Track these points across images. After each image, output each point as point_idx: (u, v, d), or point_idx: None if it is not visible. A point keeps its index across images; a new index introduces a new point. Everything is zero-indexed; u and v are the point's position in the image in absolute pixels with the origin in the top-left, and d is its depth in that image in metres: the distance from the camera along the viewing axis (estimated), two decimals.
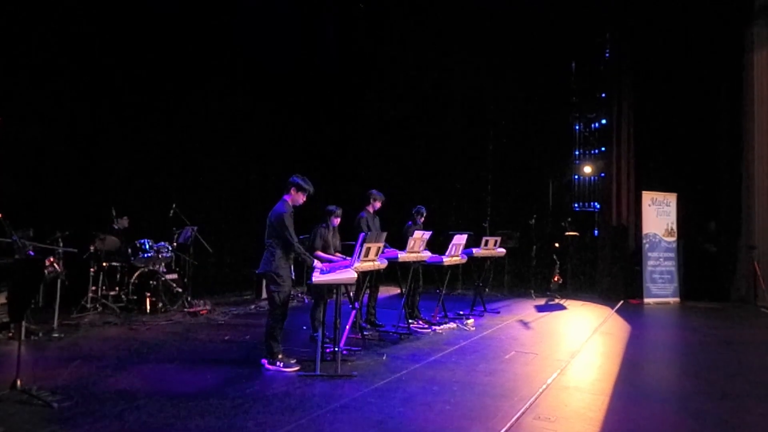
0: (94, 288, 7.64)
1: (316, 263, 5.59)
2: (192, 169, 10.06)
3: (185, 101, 9.89)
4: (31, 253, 5.86)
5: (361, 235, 5.68)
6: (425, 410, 4.27)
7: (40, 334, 6.29)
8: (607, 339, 7.22)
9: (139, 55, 9.12)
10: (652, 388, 5.18)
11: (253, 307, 8.82)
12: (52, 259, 6.34)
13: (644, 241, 10.67)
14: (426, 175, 12.91)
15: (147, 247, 8.03)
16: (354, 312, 6.06)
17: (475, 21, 12.29)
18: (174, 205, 8.74)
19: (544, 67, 11.94)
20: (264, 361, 5.31)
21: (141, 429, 3.79)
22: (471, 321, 7.82)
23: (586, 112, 12.54)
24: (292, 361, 5.29)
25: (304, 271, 8.83)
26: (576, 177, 12.74)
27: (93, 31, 8.53)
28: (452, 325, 7.58)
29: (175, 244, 8.67)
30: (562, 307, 9.78)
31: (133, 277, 8.04)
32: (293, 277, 5.75)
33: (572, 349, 6.49)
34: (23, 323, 5.21)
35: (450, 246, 7.63)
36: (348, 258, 5.94)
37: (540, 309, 9.51)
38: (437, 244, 7.82)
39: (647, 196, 10.78)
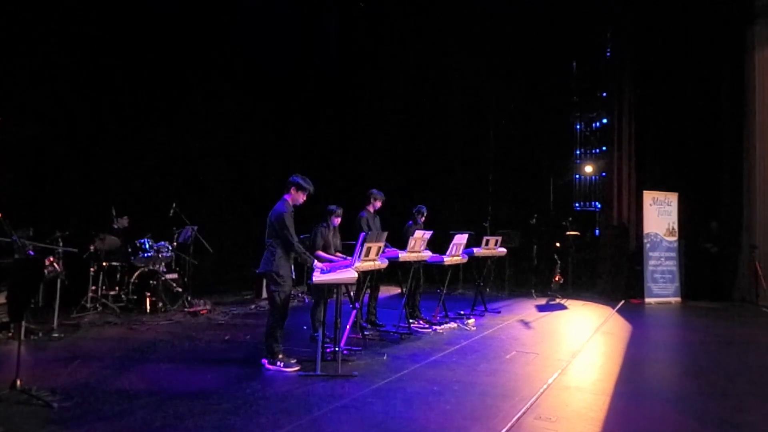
0: (94, 288, 7.64)
1: (317, 263, 5.58)
2: (192, 168, 10.05)
3: (185, 101, 9.89)
4: (31, 252, 5.85)
5: (362, 234, 5.67)
6: (426, 410, 4.25)
7: (40, 334, 6.28)
8: (608, 339, 7.20)
9: (139, 55, 9.11)
10: (654, 388, 5.17)
11: (253, 306, 8.81)
12: (51, 259, 6.33)
13: (645, 240, 10.65)
14: (426, 174, 12.90)
15: (147, 246, 8.02)
16: (354, 312, 6.04)
17: (476, 20, 12.29)
18: (174, 205, 8.73)
19: (544, 67, 11.93)
20: (264, 360, 5.29)
21: (141, 429, 3.78)
22: (472, 321, 7.81)
23: (587, 111, 12.53)
24: (293, 361, 5.27)
25: (304, 270, 8.83)
26: (577, 176, 12.73)
27: (93, 31, 8.53)
28: (453, 324, 7.56)
29: (175, 243, 8.67)
30: (563, 307, 9.76)
31: (133, 277, 8.03)
32: (294, 277, 5.74)
33: (573, 348, 6.47)
34: (23, 323, 5.21)
35: (451, 246, 7.61)
36: (348, 258, 5.93)
37: (541, 309, 9.49)
38: (438, 244, 7.81)
39: (648, 196, 10.77)
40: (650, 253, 10.62)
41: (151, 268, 8.09)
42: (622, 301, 10.25)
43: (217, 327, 7.27)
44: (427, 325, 7.43)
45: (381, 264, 6.17)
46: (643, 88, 11.22)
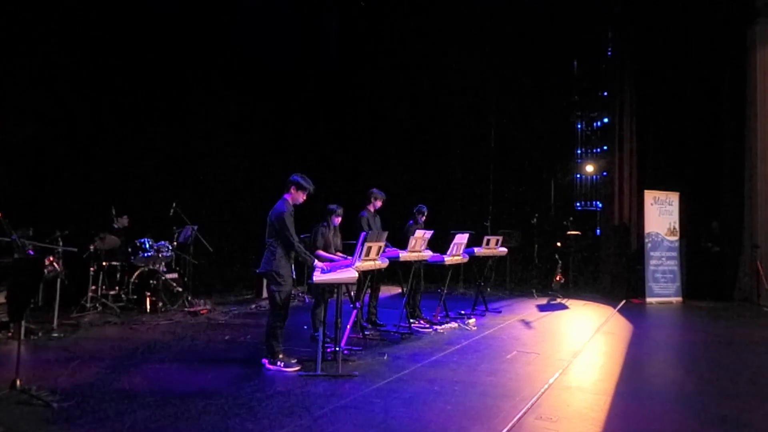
0: (93, 287, 7.63)
1: (317, 262, 5.57)
2: (192, 168, 10.04)
3: (185, 101, 9.88)
4: (31, 252, 5.84)
5: (362, 234, 5.66)
6: (426, 410, 4.24)
7: (40, 334, 6.27)
8: (610, 338, 7.19)
9: (139, 55, 9.11)
10: (655, 387, 5.16)
11: (253, 306, 8.80)
12: (51, 259, 6.33)
13: (646, 240, 10.63)
14: (427, 174, 12.88)
15: (147, 246, 8.01)
16: (355, 311, 6.04)
17: (477, 20, 12.27)
18: (174, 204, 8.72)
19: (545, 66, 11.91)
20: (265, 360, 5.28)
21: (141, 429, 3.77)
22: (472, 320, 7.79)
23: (588, 110, 12.51)
24: (293, 361, 5.26)
25: (304, 270, 8.81)
26: (578, 176, 12.71)
27: (93, 31, 8.52)
28: (454, 324, 7.55)
29: (175, 243, 8.66)
30: (564, 307, 9.75)
31: (133, 277, 8.03)
32: (294, 277, 5.72)
33: (574, 348, 6.46)
34: (23, 323, 5.20)
35: (451, 245, 7.60)
36: (349, 257, 5.92)
37: (542, 308, 9.48)
38: (438, 244, 7.80)
39: (649, 195, 10.74)
40: (651, 253, 10.60)
41: (151, 267, 8.08)
42: (623, 301, 10.23)
43: (218, 327, 7.26)
44: (427, 325, 7.42)
45: (381, 264, 6.16)
46: (644, 87, 11.19)
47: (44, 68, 8.01)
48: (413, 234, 6.89)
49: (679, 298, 10.60)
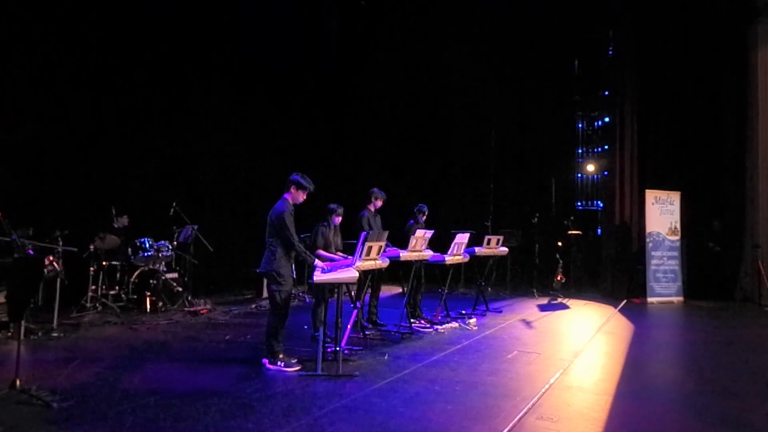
0: (93, 287, 7.63)
1: (318, 262, 5.56)
2: (192, 168, 10.04)
3: (185, 100, 9.87)
4: (31, 251, 5.83)
5: (363, 233, 5.65)
6: (427, 410, 4.23)
7: (40, 334, 6.27)
8: (611, 338, 7.17)
9: (139, 55, 9.10)
10: (656, 387, 5.14)
11: (253, 306, 8.79)
12: (51, 258, 6.32)
13: (648, 239, 10.61)
14: (428, 173, 12.87)
15: (147, 245, 8.00)
16: (355, 311, 6.03)
17: (477, 19, 12.27)
18: (174, 204, 8.72)
19: (546, 65, 11.91)
20: (265, 360, 5.27)
21: (141, 429, 3.76)
22: (473, 320, 7.78)
23: (589, 110, 12.51)
24: (293, 361, 5.25)
25: (305, 270, 8.81)
26: (579, 175, 12.70)
27: (93, 31, 8.52)
28: (454, 324, 7.54)
29: (175, 242, 8.65)
30: (564, 307, 9.73)
31: (133, 276, 8.02)
32: (294, 276, 5.71)
33: (575, 348, 6.44)
34: (22, 322, 5.20)
35: (452, 245, 7.59)
36: (349, 257, 5.91)
37: (543, 308, 9.46)
38: (439, 243, 7.78)
39: (651, 195, 10.73)
40: (652, 253, 10.58)
41: (151, 267, 8.07)
42: (625, 301, 10.22)
43: (218, 327, 7.25)
44: (428, 325, 7.41)
45: (382, 263, 6.15)
46: (645, 86, 11.18)
47: (44, 68, 8.00)
48: (414, 233, 6.88)
49: (680, 298, 10.58)
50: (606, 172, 11.79)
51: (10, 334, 5.96)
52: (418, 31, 12.79)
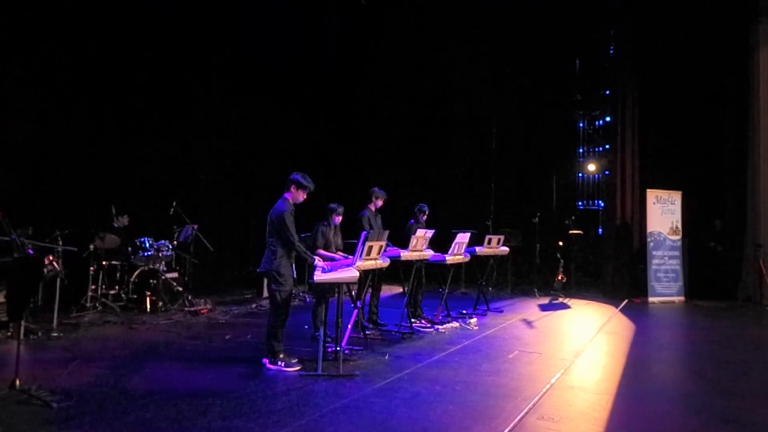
0: (93, 287, 7.62)
1: (318, 262, 5.55)
2: (192, 167, 10.03)
3: (185, 100, 9.88)
4: (30, 251, 5.81)
5: (363, 233, 5.64)
6: (428, 410, 4.22)
7: (40, 334, 6.25)
8: (612, 338, 7.16)
9: (140, 55, 9.11)
10: (657, 387, 5.13)
11: (254, 306, 8.77)
12: (51, 258, 6.31)
13: (649, 239, 10.60)
14: (428, 173, 12.86)
15: (147, 245, 7.99)
16: (356, 311, 6.01)
17: (478, 19, 12.26)
18: (174, 203, 8.70)
19: (547, 65, 11.89)
20: (265, 360, 5.26)
21: (141, 429, 3.75)
22: (474, 320, 7.77)
23: (590, 109, 12.48)
24: (294, 361, 5.24)
25: (305, 269, 8.79)
26: (580, 175, 12.68)
27: (93, 31, 8.52)
28: (455, 324, 7.52)
29: (175, 242, 8.64)
30: (565, 306, 9.71)
31: (133, 276, 8.01)
32: (295, 276, 5.70)
33: (576, 348, 6.43)
34: (22, 322, 5.19)
35: (453, 244, 7.57)
36: (350, 256, 5.90)
37: (543, 308, 9.45)
38: (440, 243, 7.77)
39: (652, 194, 10.71)
40: (654, 252, 10.57)
41: (151, 267, 8.06)
42: (626, 301, 10.20)
43: (218, 326, 7.24)
44: (429, 325, 7.39)
45: (382, 263, 6.13)
46: (646, 86, 11.16)
47: (44, 68, 8.00)
48: (414, 233, 6.87)
49: (682, 298, 10.56)
50: (607, 172, 11.77)
51: (9, 333, 5.94)
52: (418, 31, 12.77)
